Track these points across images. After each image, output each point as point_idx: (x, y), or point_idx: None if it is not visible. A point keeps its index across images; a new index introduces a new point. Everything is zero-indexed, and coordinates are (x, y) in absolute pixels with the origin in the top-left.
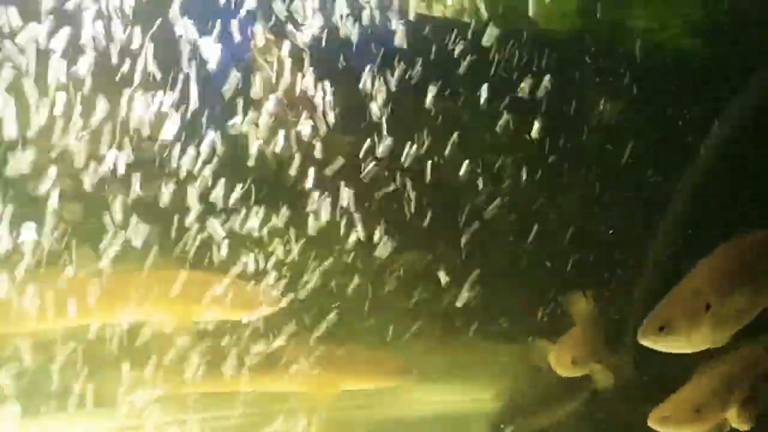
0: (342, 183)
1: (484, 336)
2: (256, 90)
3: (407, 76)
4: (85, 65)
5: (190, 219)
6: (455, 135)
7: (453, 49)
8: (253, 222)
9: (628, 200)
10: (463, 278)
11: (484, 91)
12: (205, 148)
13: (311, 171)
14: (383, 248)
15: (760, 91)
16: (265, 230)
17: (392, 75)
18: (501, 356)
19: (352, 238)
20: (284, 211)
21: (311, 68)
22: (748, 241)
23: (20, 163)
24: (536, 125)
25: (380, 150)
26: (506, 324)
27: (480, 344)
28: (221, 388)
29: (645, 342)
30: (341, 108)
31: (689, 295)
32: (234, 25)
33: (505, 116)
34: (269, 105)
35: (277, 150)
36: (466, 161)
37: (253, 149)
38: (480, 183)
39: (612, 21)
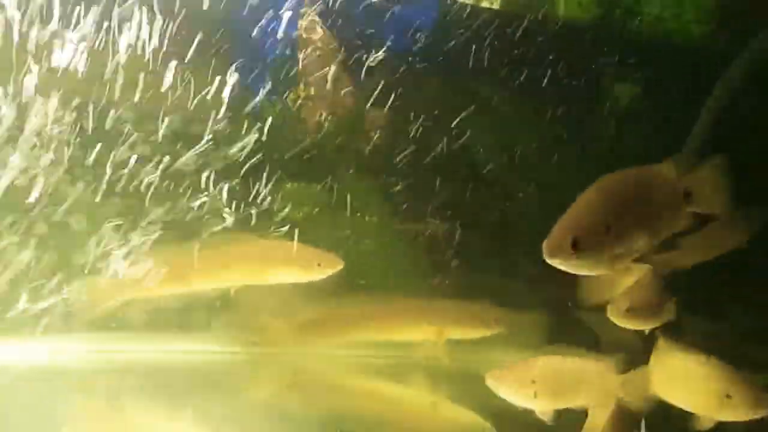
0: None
1: None
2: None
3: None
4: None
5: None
6: (472, 112)
7: (476, 33)
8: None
9: None
10: None
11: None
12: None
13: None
14: None
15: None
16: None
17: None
18: None
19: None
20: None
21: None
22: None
23: None
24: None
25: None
26: None
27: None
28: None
29: (554, 261)
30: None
31: (590, 216)
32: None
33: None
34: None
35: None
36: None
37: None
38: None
39: (627, 9)
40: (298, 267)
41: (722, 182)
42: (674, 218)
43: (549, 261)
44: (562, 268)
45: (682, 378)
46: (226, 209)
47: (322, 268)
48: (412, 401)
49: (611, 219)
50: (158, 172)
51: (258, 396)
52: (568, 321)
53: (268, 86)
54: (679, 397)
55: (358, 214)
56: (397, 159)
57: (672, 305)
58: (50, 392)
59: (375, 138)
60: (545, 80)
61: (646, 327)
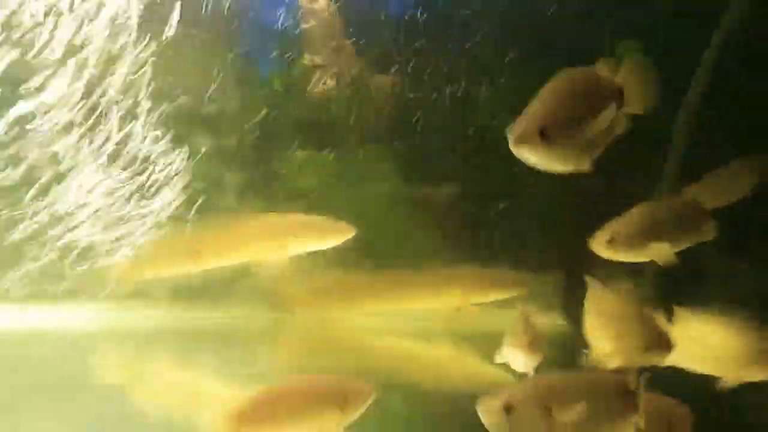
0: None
1: None
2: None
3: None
4: None
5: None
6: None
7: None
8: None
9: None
10: None
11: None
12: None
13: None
14: None
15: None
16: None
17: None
18: None
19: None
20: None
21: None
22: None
23: None
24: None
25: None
26: None
27: None
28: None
29: (522, 148)
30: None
31: (555, 108)
32: None
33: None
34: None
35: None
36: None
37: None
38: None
39: None
40: (313, 236)
41: (647, 78)
42: (616, 120)
43: (515, 149)
44: (530, 158)
45: (703, 343)
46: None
47: (336, 234)
48: (435, 357)
49: (573, 112)
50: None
51: (281, 358)
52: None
53: (274, 56)
54: (702, 362)
55: (370, 181)
56: (406, 125)
57: (666, 247)
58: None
59: (383, 105)
60: (551, 44)
61: (628, 259)
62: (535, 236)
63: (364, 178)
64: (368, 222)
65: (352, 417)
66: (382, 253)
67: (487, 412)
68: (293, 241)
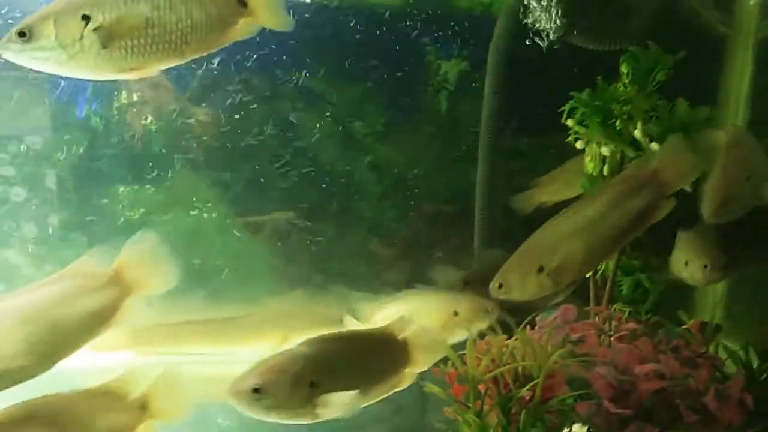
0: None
1: None
2: None
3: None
4: None
5: None
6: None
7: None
8: None
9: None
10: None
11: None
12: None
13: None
14: None
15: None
16: None
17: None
18: None
19: None
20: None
21: None
22: None
23: None
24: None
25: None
26: None
27: None
28: None
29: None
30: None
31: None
32: None
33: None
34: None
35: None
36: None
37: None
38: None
39: None
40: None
41: None
42: None
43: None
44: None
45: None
46: None
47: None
48: None
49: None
50: None
51: None
52: None
53: (91, 97)
54: None
55: (196, 211)
56: (231, 154)
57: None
58: None
59: (204, 136)
60: (369, 67)
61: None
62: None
63: (188, 207)
64: (197, 251)
65: None
66: (213, 280)
67: (236, 396)
68: None
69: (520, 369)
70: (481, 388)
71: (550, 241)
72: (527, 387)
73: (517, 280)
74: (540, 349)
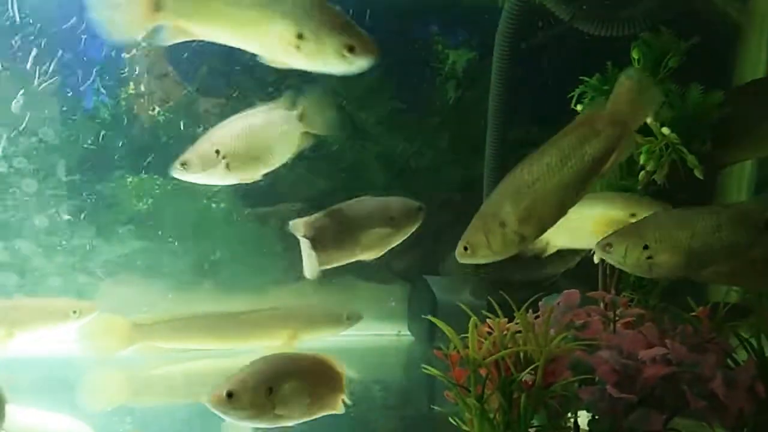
0: None
1: None
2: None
3: None
4: None
5: None
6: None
7: None
8: None
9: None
10: None
11: None
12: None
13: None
14: None
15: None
16: None
17: None
18: None
19: None
20: None
21: None
22: None
23: None
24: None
25: None
26: None
27: None
28: None
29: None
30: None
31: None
32: None
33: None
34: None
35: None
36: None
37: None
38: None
39: None
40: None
41: None
42: None
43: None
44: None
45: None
46: None
47: (78, 315)
48: None
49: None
50: None
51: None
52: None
53: (99, 88)
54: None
55: (205, 201)
56: None
57: None
58: None
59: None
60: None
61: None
62: None
63: (197, 197)
64: (205, 241)
65: None
66: (221, 271)
67: (213, 403)
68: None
69: (521, 353)
70: (483, 372)
71: (510, 193)
72: (527, 370)
73: (481, 239)
74: (541, 332)
